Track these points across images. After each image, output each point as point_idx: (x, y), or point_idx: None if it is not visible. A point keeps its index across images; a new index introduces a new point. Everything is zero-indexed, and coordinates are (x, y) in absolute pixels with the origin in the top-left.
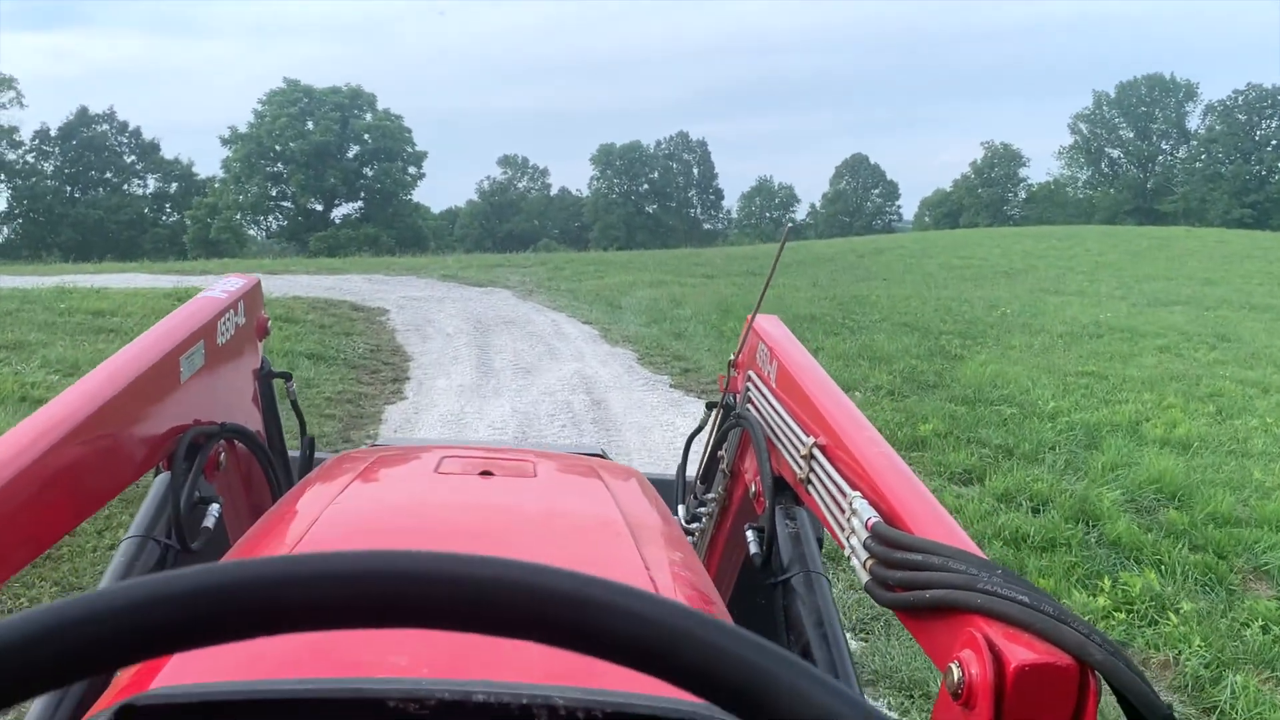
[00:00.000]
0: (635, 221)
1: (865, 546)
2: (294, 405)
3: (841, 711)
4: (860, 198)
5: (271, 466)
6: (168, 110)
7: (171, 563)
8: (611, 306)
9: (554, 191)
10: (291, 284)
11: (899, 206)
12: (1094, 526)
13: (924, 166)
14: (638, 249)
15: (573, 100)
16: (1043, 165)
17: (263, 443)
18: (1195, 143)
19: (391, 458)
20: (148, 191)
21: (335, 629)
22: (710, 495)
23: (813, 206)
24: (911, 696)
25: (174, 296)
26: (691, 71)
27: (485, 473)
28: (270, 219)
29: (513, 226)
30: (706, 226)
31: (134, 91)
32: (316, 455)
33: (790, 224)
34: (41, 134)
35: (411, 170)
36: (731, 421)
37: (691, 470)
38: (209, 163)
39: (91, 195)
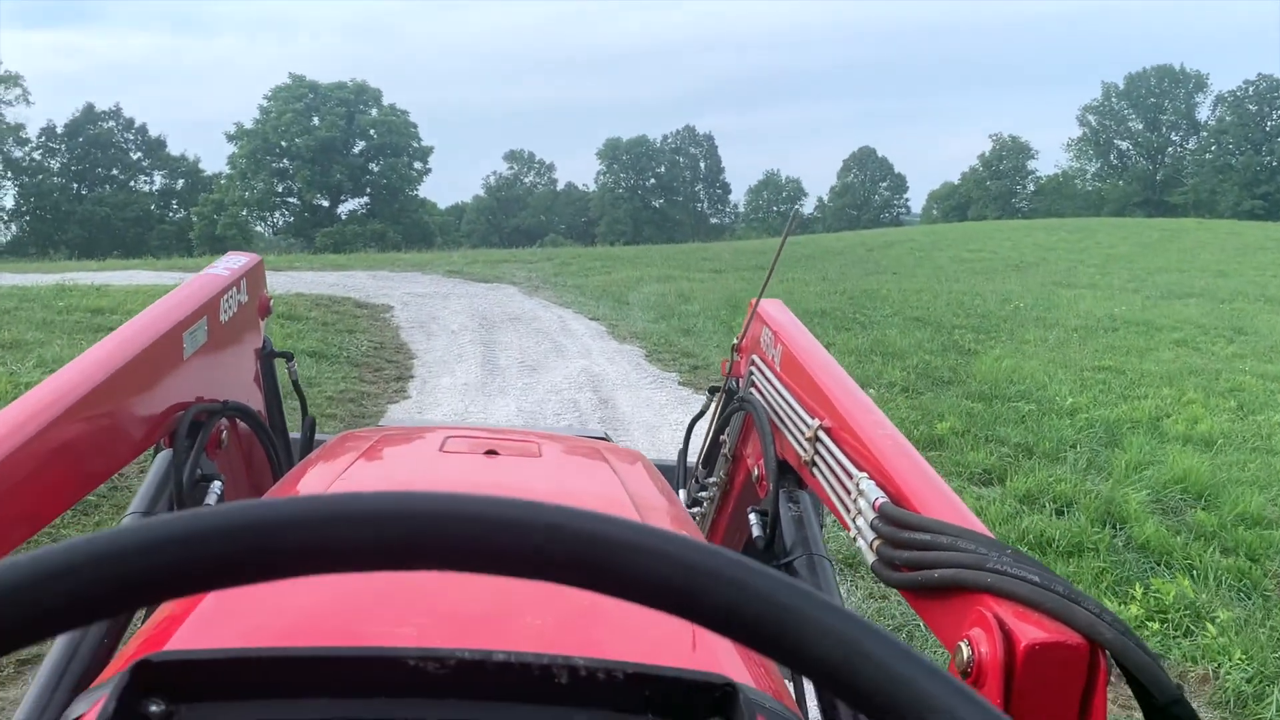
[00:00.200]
0: (642, 216)
1: (872, 527)
2: (295, 385)
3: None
4: (868, 191)
5: (273, 445)
6: (174, 107)
7: None
8: (619, 302)
9: (560, 186)
10: (295, 280)
11: (907, 199)
12: (1121, 529)
13: (932, 159)
14: (644, 244)
15: (579, 95)
16: (1051, 157)
17: (264, 422)
18: (1205, 134)
19: (395, 437)
20: (154, 188)
21: (362, 570)
22: (711, 479)
23: (820, 200)
24: None
25: None
26: (698, 65)
27: (490, 452)
28: (276, 215)
29: (519, 222)
30: (714, 221)
31: (140, 88)
32: (317, 437)
33: (797, 211)
34: (48, 131)
35: (417, 166)
36: (735, 405)
37: (692, 455)
38: (215, 159)
39: (98, 192)
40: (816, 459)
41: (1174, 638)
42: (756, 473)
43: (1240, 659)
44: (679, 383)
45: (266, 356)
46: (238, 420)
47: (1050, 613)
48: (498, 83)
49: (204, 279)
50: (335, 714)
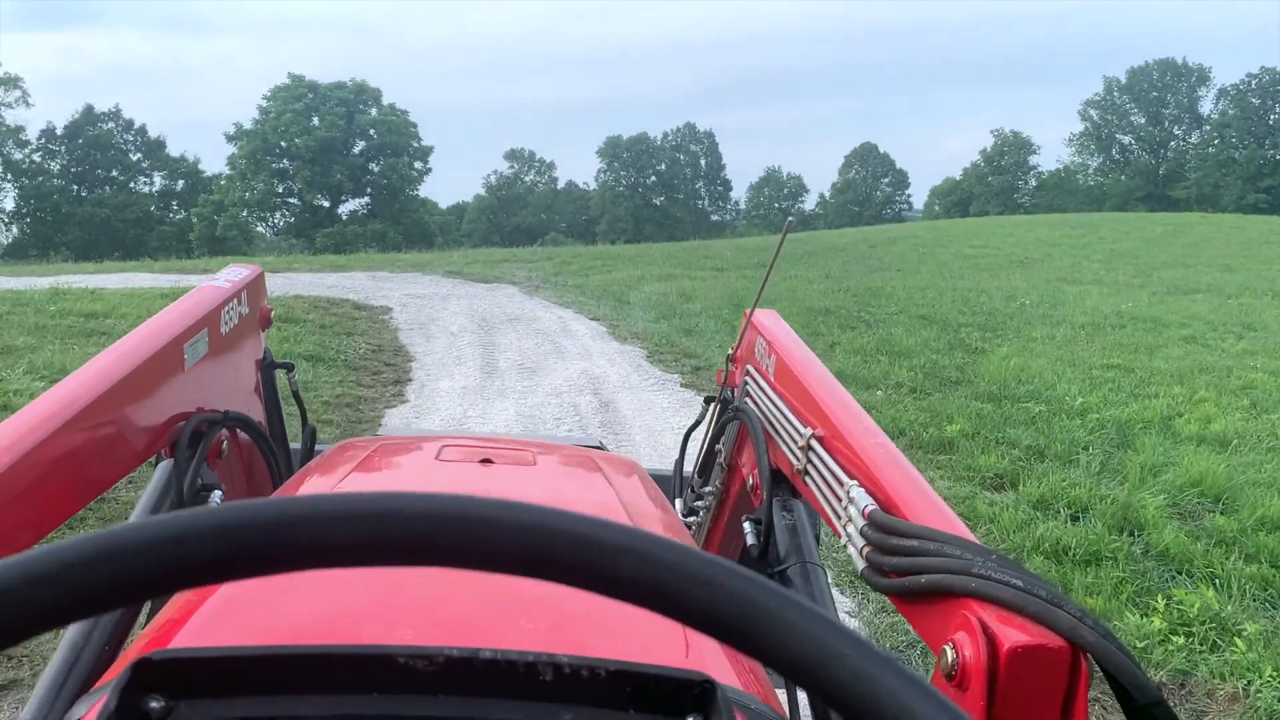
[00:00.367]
0: (643, 214)
1: (862, 534)
2: (295, 396)
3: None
4: (870, 187)
5: (273, 455)
6: (174, 108)
7: None
8: (619, 302)
9: (561, 185)
10: (294, 282)
11: (909, 195)
12: (1138, 536)
13: (933, 155)
14: (645, 242)
15: (579, 93)
16: (1053, 153)
17: (265, 432)
18: (1208, 128)
19: (392, 446)
20: (154, 189)
21: (360, 565)
22: (707, 489)
23: (822, 196)
24: None
25: (171, 296)
26: (698, 62)
27: (485, 461)
28: (277, 216)
29: (520, 220)
30: (715, 218)
31: (139, 89)
32: (318, 447)
33: (791, 220)
34: (48, 133)
35: (417, 165)
36: (730, 415)
37: (689, 465)
38: (215, 160)
39: (98, 194)
40: (809, 467)
41: (1200, 653)
42: (751, 482)
43: (1271, 676)
44: (681, 384)
45: (267, 367)
46: (238, 430)
47: (1033, 616)
48: (498, 81)
49: (205, 291)
50: (329, 710)
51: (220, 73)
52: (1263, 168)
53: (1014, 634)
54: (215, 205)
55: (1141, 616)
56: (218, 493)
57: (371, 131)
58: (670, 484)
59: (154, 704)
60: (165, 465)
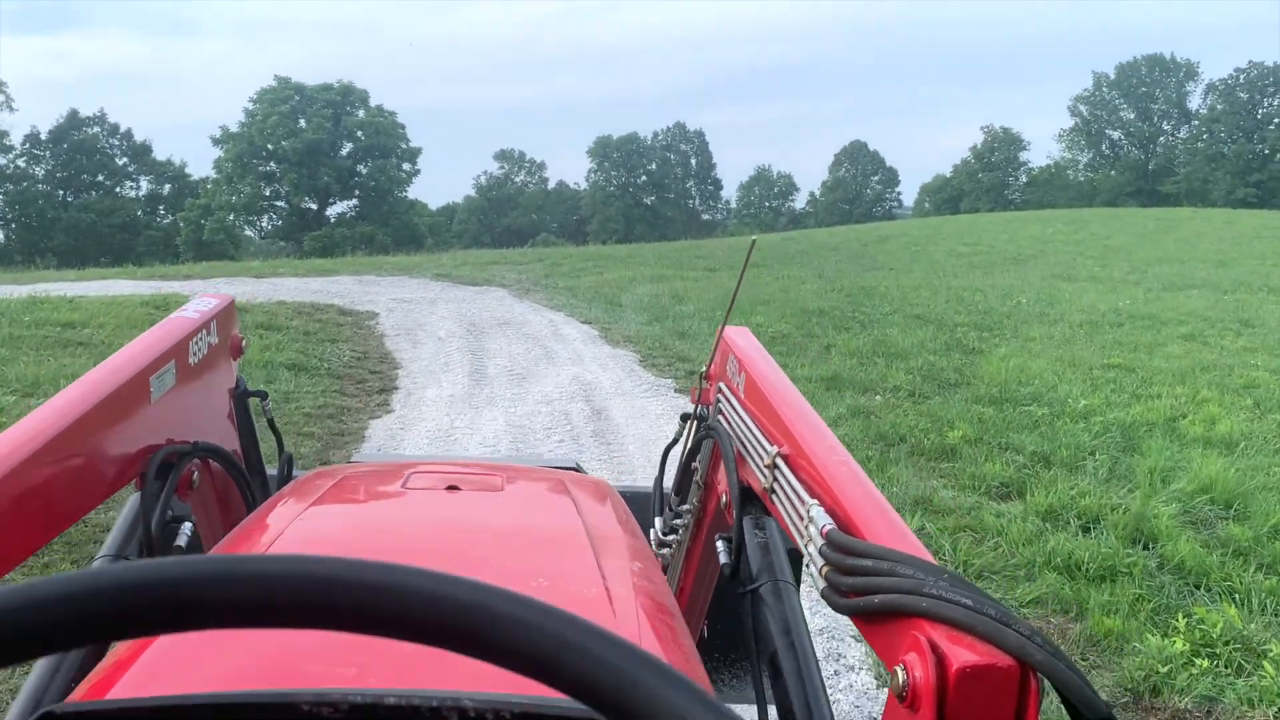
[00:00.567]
0: (634, 214)
1: (821, 553)
2: (270, 423)
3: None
4: (860, 185)
5: (247, 484)
6: (161, 111)
7: None
8: (611, 304)
9: (551, 185)
10: (278, 288)
11: (899, 193)
12: (1152, 548)
13: (923, 152)
14: (637, 241)
15: (568, 93)
16: (1043, 149)
17: (238, 461)
18: (1197, 122)
19: (360, 474)
20: (140, 194)
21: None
22: (685, 507)
23: (812, 194)
24: None
25: (152, 304)
26: (687, 61)
27: (452, 487)
28: (265, 219)
29: (511, 221)
30: (705, 217)
31: (126, 93)
32: (295, 473)
33: (755, 240)
34: (32, 138)
35: (406, 167)
36: (702, 433)
37: (669, 482)
38: (202, 164)
39: (84, 199)
40: (775, 486)
41: (1225, 676)
42: (725, 499)
43: None
44: (675, 390)
45: (240, 396)
46: (211, 460)
47: (982, 635)
48: (486, 82)
49: (172, 322)
50: None
51: (207, 76)
52: (1251, 162)
53: (963, 654)
54: (202, 209)
55: (1163, 638)
56: (188, 524)
57: (359, 133)
58: (650, 503)
59: None
60: (134, 499)
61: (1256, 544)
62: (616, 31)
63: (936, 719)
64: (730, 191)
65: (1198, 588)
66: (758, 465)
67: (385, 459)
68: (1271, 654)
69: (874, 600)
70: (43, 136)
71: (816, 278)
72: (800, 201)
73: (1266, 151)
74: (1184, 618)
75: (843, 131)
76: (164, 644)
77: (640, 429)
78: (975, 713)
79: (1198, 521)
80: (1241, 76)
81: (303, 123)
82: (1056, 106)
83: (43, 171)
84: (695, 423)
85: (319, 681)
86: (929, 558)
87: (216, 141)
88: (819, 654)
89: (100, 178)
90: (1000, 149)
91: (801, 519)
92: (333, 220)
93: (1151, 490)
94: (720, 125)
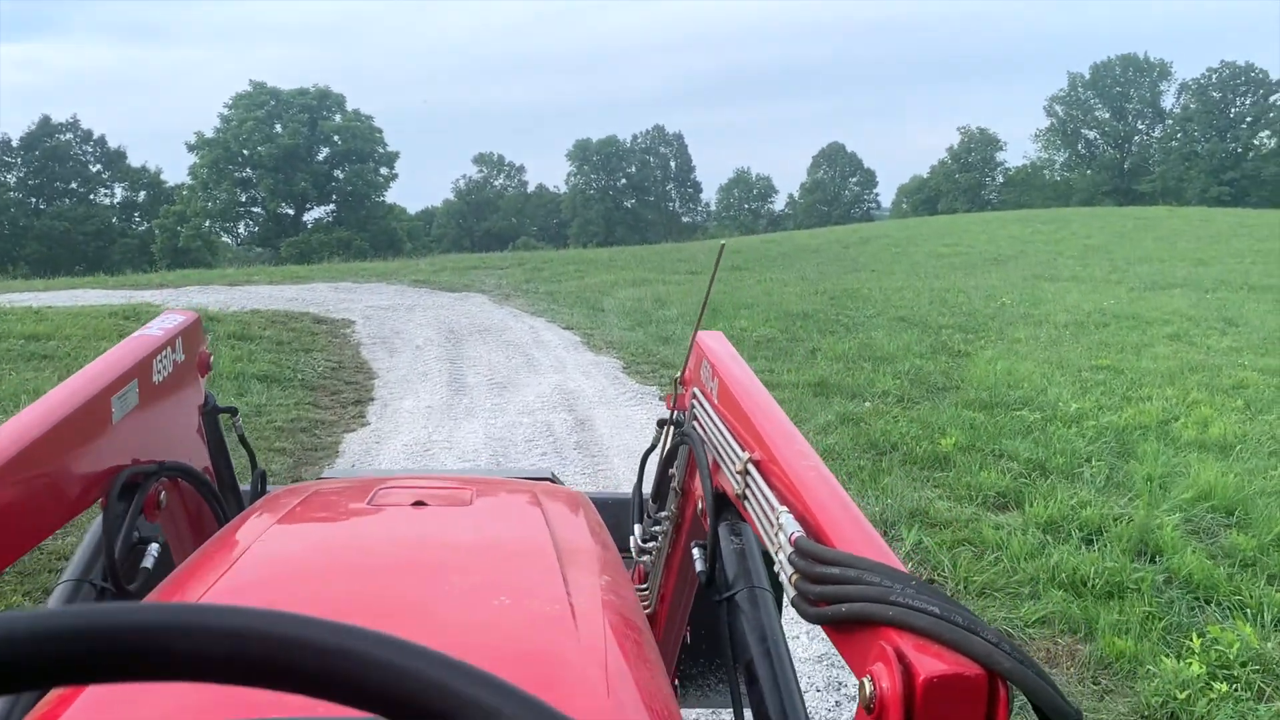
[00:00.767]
0: (614, 217)
1: (790, 561)
2: (242, 439)
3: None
4: (838, 186)
5: (218, 503)
6: (135, 118)
7: None
8: (593, 309)
9: (531, 188)
10: (251, 296)
11: (877, 194)
12: (1157, 561)
13: (901, 153)
14: (617, 244)
15: (547, 96)
16: (1019, 149)
17: (208, 479)
18: (1170, 122)
19: (326, 491)
20: (115, 201)
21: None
22: (664, 514)
23: (791, 196)
24: None
25: (121, 315)
26: (665, 64)
27: (418, 503)
28: (241, 225)
29: (490, 225)
30: (685, 220)
31: (99, 100)
32: (270, 488)
33: (723, 245)
34: (3, 145)
35: (383, 171)
36: (678, 438)
37: (649, 488)
38: (178, 170)
39: (57, 206)
40: (747, 492)
41: (1246, 701)
42: (701, 506)
43: None
44: (660, 398)
45: (209, 413)
46: (180, 480)
47: (949, 644)
48: (465, 86)
49: (135, 341)
50: None
51: (182, 82)
52: (1225, 160)
53: (930, 663)
54: (177, 216)
55: (1178, 659)
56: (155, 545)
57: (335, 138)
58: (628, 510)
59: None
60: (97, 521)
61: (1262, 553)
62: (594, 35)
63: None
64: (710, 194)
65: (1208, 603)
66: (730, 471)
67: (356, 474)
68: None
69: (841, 609)
70: (14, 144)
71: (799, 280)
72: (779, 203)
73: (1239, 150)
74: (1198, 637)
75: (820, 133)
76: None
77: (625, 440)
78: None
79: (1200, 531)
80: (1214, 76)
81: (279, 128)
82: (1032, 107)
83: (14, 179)
84: (671, 428)
85: (267, 711)
86: (899, 565)
87: (192, 148)
88: (821, 684)
89: (73, 185)
90: (977, 149)
91: (772, 526)
92: (310, 226)
93: (1153, 501)
94: (699, 128)
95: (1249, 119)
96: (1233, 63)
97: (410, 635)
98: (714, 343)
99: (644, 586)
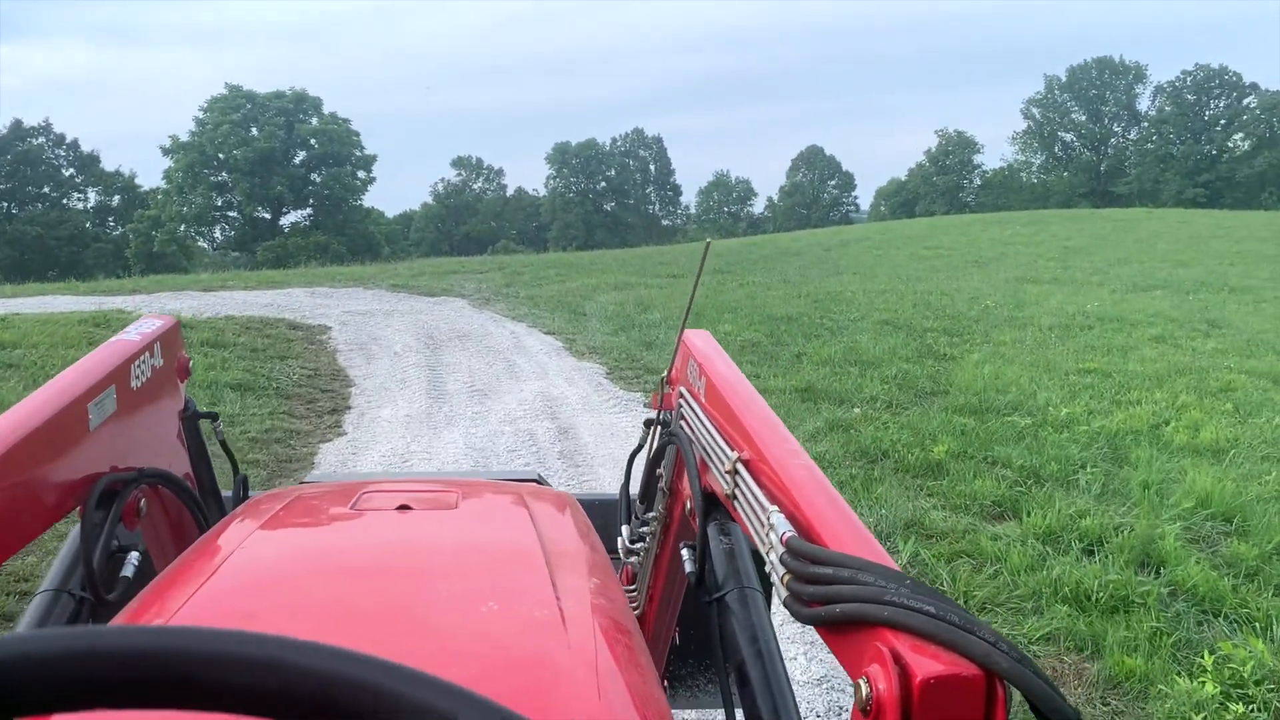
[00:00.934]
0: (594, 220)
1: (782, 561)
2: (223, 444)
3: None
4: (817, 189)
5: (200, 509)
6: (109, 122)
7: (86, 617)
8: (575, 314)
9: (510, 192)
10: (226, 302)
11: (855, 197)
12: (1160, 572)
13: (879, 156)
14: (597, 248)
15: (526, 99)
16: (996, 151)
17: (189, 485)
18: (1146, 124)
19: (310, 496)
20: (88, 206)
21: None
22: (651, 514)
23: (770, 199)
24: None
25: (91, 322)
26: (644, 67)
27: (403, 507)
28: (217, 229)
29: (470, 228)
30: (665, 223)
31: (72, 103)
32: (252, 494)
33: (709, 242)
34: None
35: (361, 175)
36: (665, 438)
37: (636, 488)
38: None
39: (29, 211)
40: (736, 492)
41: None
42: (689, 506)
43: None
44: (645, 405)
45: (189, 418)
46: (160, 486)
47: (945, 644)
48: (444, 88)
49: (112, 346)
50: None
51: (157, 85)
52: (1200, 163)
53: (927, 663)
54: (152, 221)
55: (1190, 679)
56: (135, 554)
57: (312, 141)
58: (615, 511)
59: None
60: (75, 530)
61: (1264, 563)
62: (571, 39)
63: None
64: (689, 197)
65: (1215, 615)
66: (719, 471)
67: (339, 478)
68: None
69: (835, 610)
70: None
71: (781, 283)
72: (759, 206)
73: (1214, 152)
74: (1210, 655)
75: (799, 136)
76: None
77: (610, 448)
78: None
79: (1199, 539)
80: (1188, 79)
81: (255, 131)
82: (1009, 109)
83: None
84: (658, 428)
85: None
86: (892, 564)
87: (166, 151)
88: (822, 709)
89: (46, 189)
90: (954, 152)
91: (763, 526)
92: (287, 230)
93: (1153, 510)
94: (678, 131)
95: (1223, 121)
96: (1207, 65)
97: (401, 643)
98: (701, 342)
99: (632, 588)
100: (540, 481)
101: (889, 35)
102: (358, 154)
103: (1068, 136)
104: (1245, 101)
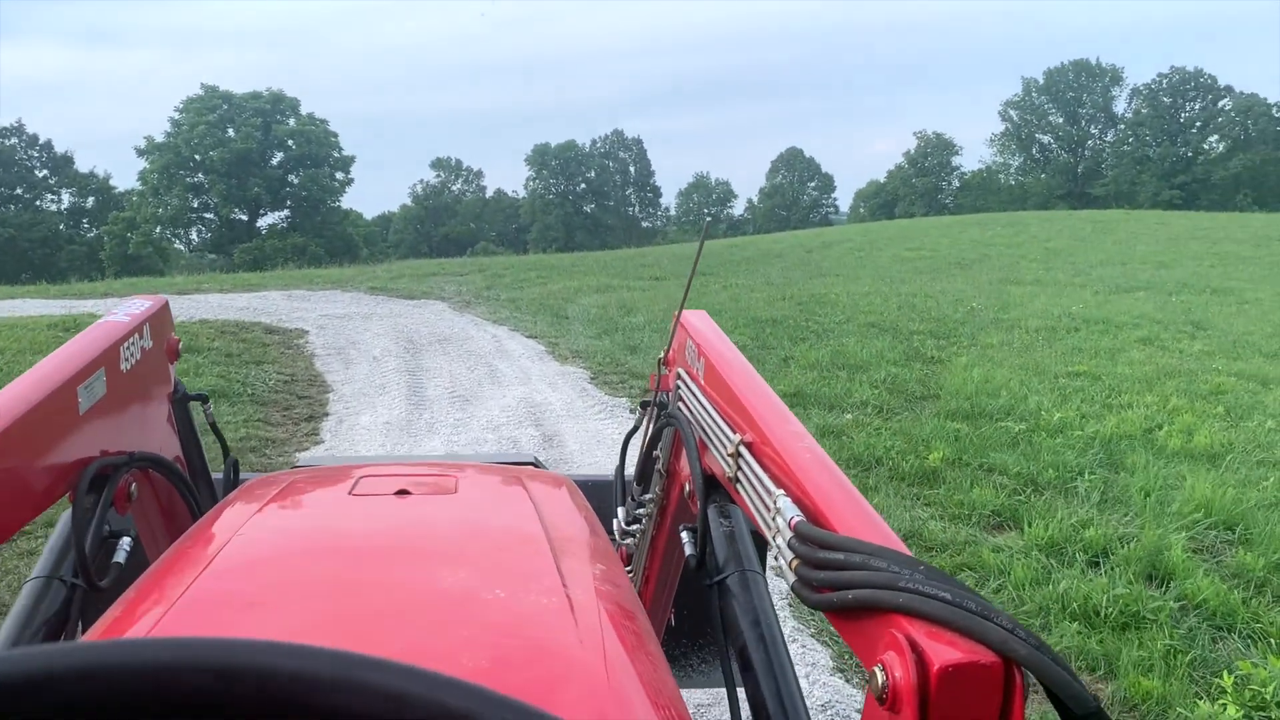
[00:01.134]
0: (574, 222)
1: (790, 546)
2: (213, 427)
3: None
4: (797, 191)
5: (191, 492)
6: (82, 123)
7: (78, 603)
8: (557, 317)
9: (489, 194)
10: (201, 305)
11: (835, 199)
12: (1168, 585)
13: (858, 158)
14: (577, 249)
15: (506, 101)
16: (975, 153)
17: (180, 469)
18: (1123, 126)
19: (307, 479)
20: (62, 207)
21: None
22: (648, 496)
23: (750, 201)
24: None
25: (61, 326)
26: (623, 69)
27: (402, 491)
28: (193, 231)
29: (449, 230)
30: (645, 224)
31: (46, 104)
32: (242, 476)
33: (709, 219)
34: None
35: (339, 176)
36: (663, 420)
37: (630, 471)
38: (127, 176)
39: (1, 213)
40: (739, 475)
41: None
42: (689, 488)
43: None
44: (630, 410)
45: (179, 400)
46: (151, 470)
47: (962, 631)
48: (422, 90)
49: (101, 327)
50: None
51: (132, 85)
52: (1176, 164)
53: (944, 651)
54: (127, 222)
55: (1212, 702)
56: (127, 539)
57: (290, 142)
58: (611, 493)
59: None
60: (66, 515)
61: (1271, 573)
62: (552, 41)
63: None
64: (669, 199)
65: (1228, 631)
66: (720, 453)
67: (332, 461)
68: None
69: (848, 595)
70: None
71: (765, 285)
72: (739, 208)
73: (1189, 154)
74: (1229, 675)
75: (779, 138)
76: None
77: (596, 456)
78: (959, 713)
79: (1203, 549)
80: (1164, 81)
81: (231, 132)
82: (987, 111)
83: None
84: (655, 409)
85: None
86: (904, 549)
87: (141, 152)
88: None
89: (19, 191)
90: (933, 154)
91: (768, 509)
92: (264, 232)
93: (1156, 519)
94: (658, 133)
95: (1198, 124)
96: (1182, 68)
97: (410, 633)
98: (699, 322)
99: (629, 569)
100: (537, 464)
101: (867, 36)
102: (336, 155)
103: (1045, 139)
104: (1220, 104)
